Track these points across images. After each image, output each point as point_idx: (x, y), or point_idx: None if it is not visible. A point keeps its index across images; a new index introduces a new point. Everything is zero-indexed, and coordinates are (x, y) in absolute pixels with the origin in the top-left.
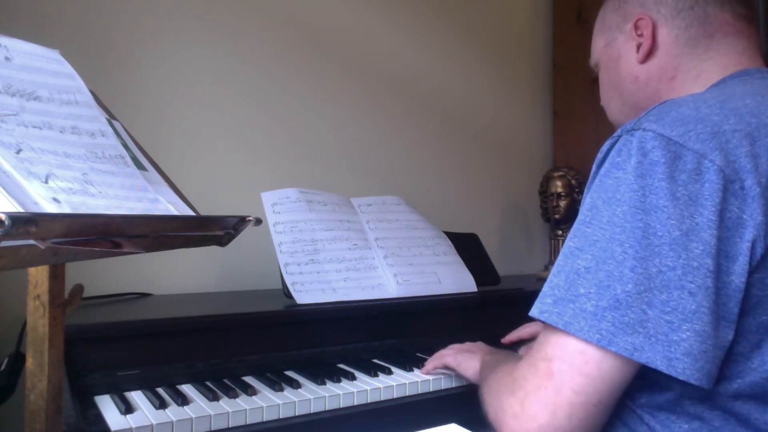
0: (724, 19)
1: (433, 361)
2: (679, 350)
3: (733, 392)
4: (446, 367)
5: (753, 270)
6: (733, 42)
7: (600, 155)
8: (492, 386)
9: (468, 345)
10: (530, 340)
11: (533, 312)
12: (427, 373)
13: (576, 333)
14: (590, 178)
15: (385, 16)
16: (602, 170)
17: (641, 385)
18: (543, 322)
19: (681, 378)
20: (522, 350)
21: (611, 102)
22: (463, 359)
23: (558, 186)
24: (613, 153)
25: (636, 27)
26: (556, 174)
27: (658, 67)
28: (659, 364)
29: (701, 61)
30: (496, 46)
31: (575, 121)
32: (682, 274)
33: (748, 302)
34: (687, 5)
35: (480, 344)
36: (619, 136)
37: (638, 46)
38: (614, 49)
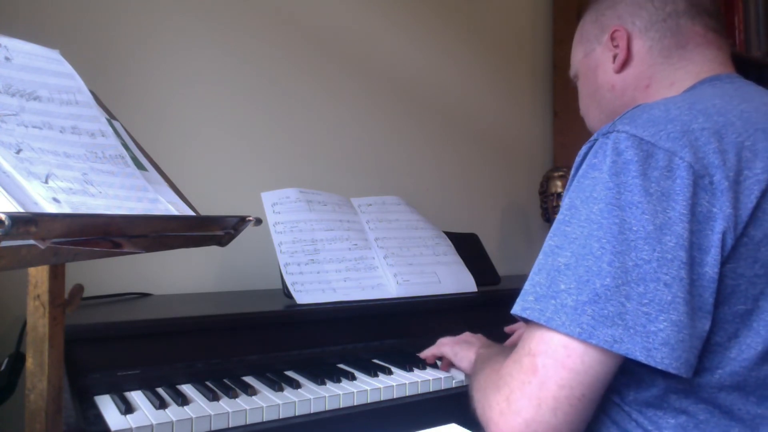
0: (695, 31)
1: (432, 349)
2: (656, 340)
3: (715, 383)
4: (443, 356)
5: (725, 261)
6: (704, 51)
7: (578, 158)
8: (480, 383)
9: (467, 336)
10: None
11: (515, 310)
12: (425, 357)
13: (558, 328)
14: (569, 180)
15: (385, 16)
16: (580, 172)
17: (627, 381)
18: (525, 319)
19: (659, 367)
20: None
21: (589, 110)
22: (459, 350)
23: (558, 186)
24: (590, 155)
25: (612, 38)
26: (556, 174)
27: (634, 76)
28: (638, 354)
29: (674, 70)
30: (496, 46)
31: (575, 121)
32: (657, 267)
33: (723, 292)
34: (660, 18)
35: (479, 336)
36: (596, 140)
37: (614, 57)
38: (592, 60)
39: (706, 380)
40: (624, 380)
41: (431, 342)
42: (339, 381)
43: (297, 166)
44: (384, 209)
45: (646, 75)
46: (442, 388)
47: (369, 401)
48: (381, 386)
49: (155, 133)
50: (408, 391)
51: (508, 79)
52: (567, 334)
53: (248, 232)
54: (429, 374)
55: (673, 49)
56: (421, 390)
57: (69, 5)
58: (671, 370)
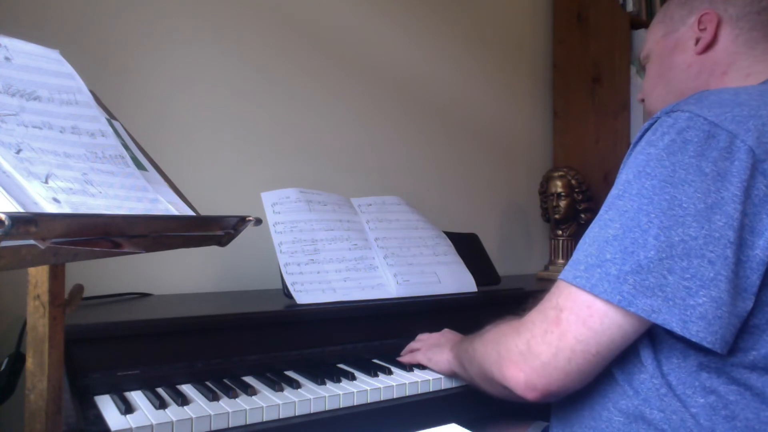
0: None
1: (407, 357)
2: (694, 314)
3: (748, 364)
4: (419, 364)
5: None
6: None
7: (638, 134)
8: (491, 337)
9: (436, 338)
10: None
11: (566, 276)
12: (405, 362)
13: (600, 294)
14: (626, 155)
15: (386, 15)
16: (638, 147)
17: (662, 361)
18: (575, 286)
19: (694, 340)
20: None
21: (654, 90)
22: (433, 355)
23: (558, 186)
24: (649, 132)
25: (700, 21)
26: (556, 174)
27: (713, 60)
28: (674, 326)
29: (755, 62)
30: (496, 46)
31: (575, 121)
32: (704, 244)
33: None
34: (754, 10)
35: (446, 333)
36: (658, 117)
37: (697, 40)
38: (671, 40)
39: (739, 360)
40: (658, 360)
41: None
42: (339, 381)
43: (297, 166)
44: (384, 209)
45: (725, 62)
46: (442, 388)
47: (369, 401)
48: (381, 386)
49: (155, 133)
50: (408, 391)
51: (508, 79)
52: (607, 301)
53: (248, 232)
54: (429, 374)
55: (759, 42)
56: (421, 390)
57: (69, 5)
58: (705, 344)
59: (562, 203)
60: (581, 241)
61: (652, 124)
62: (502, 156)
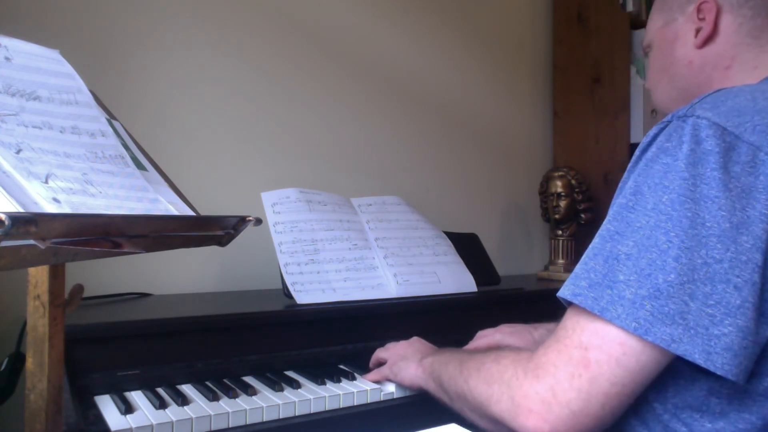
0: None
1: (374, 374)
2: (719, 345)
3: (762, 391)
4: (387, 379)
5: None
6: None
7: (647, 139)
8: (494, 375)
9: (403, 348)
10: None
11: (564, 293)
12: (374, 380)
13: (612, 320)
14: (633, 160)
15: (386, 15)
16: (648, 154)
17: (666, 381)
18: (576, 305)
19: (719, 373)
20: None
21: (659, 85)
22: (398, 370)
23: (558, 186)
24: (661, 137)
25: (699, 10)
26: (556, 174)
27: (715, 54)
28: (697, 357)
29: (761, 53)
30: (496, 46)
31: (575, 121)
32: (729, 268)
33: None
34: None
35: (415, 343)
36: (669, 122)
37: (697, 31)
38: (671, 31)
39: (753, 387)
40: (663, 380)
41: (431, 342)
42: (339, 381)
43: (297, 166)
44: (384, 209)
45: (729, 54)
46: None
47: (369, 401)
48: (381, 386)
49: (155, 133)
50: (408, 391)
51: (508, 79)
52: (622, 328)
53: (248, 232)
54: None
55: (764, 30)
56: None
57: (69, 5)
58: (730, 377)
59: (562, 203)
60: (584, 254)
61: (662, 129)
62: (502, 156)
